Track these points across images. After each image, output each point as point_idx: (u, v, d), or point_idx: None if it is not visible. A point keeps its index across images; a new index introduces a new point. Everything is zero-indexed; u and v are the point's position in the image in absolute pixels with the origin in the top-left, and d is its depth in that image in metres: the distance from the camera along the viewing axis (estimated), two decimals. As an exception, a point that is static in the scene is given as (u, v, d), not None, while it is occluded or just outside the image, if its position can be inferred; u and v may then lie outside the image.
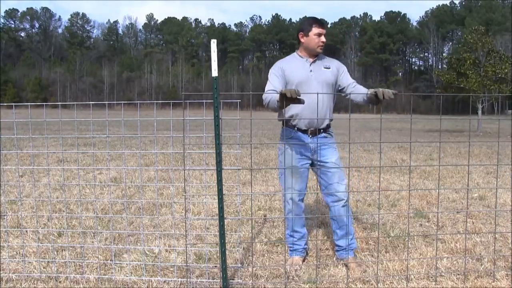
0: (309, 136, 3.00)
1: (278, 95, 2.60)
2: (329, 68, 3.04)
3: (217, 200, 2.50)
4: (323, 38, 2.98)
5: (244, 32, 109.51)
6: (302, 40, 3.04)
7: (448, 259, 3.13)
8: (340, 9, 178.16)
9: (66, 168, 7.26)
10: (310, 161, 3.06)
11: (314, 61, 3.03)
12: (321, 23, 3.00)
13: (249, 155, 9.47)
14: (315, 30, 2.97)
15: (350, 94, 3.02)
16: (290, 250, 3.19)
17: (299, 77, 2.96)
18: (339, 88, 3.09)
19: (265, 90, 2.93)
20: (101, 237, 3.65)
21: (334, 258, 3.18)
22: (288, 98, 2.50)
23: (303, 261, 3.14)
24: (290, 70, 2.99)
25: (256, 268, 2.95)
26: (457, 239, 3.58)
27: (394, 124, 29.17)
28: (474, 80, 22.09)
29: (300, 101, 2.54)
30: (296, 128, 3.01)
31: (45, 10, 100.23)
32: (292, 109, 2.95)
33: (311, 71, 3.00)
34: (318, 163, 3.03)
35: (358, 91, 3.02)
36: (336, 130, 3.45)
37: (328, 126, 3.07)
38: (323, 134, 3.03)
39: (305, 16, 3.28)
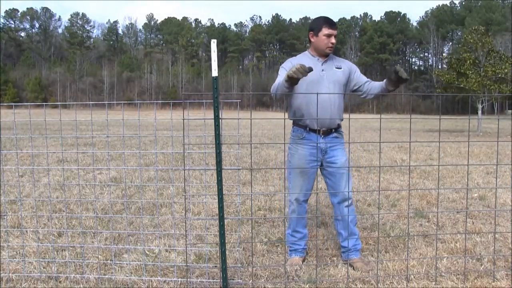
0: (320, 136, 2.98)
1: (285, 76, 2.66)
2: (341, 68, 3.02)
3: (217, 200, 2.50)
4: (332, 40, 2.95)
5: (244, 32, 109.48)
6: (312, 39, 3.01)
7: (448, 259, 3.13)
8: (340, 9, 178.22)
9: (66, 168, 7.25)
10: (319, 163, 3.05)
11: (325, 61, 3.01)
12: (331, 23, 2.96)
13: (249, 155, 9.47)
14: (325, 30, 2.94)
15: (366, 92, 3.04)
16: (290, 250, 3.19)
17: (311, 76, 2.92)
18: (355, 88, 3.07)
19: (274, 83, 2.92)
20: (101, 237, 3.65)
21: (341, 260, 3.15)
22: (296, 78, 2.55)
23: (303, 261, 3.14)
24: None
25: (256, 268, 2.95)
26: (457, 239, 3.58)
27: (394, 124, 29.17)
28: (474, 80, 22.08)
29: (310, 70, 2.60)
30: (308, 128, 2.99)
31: (45, 10, 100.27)
32: (303, 109, 2.95)
33: (322, 70, 2.97)
34: (327, 164, 3.03)
35: (374, 87, 3.01)
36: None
37: (339, 126, 3.07)
38: (334, 134, 3.03)
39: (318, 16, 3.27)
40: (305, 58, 3.04)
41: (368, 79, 3.09)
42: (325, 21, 2.96)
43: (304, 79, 2.91)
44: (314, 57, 3.02)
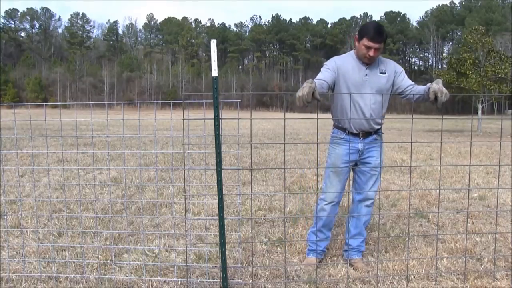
0: (360, 138, 2.96)
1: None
2: (385, 73, 2.93)
3: (217, 200, 2.50)
4: (371, 52, 2.81)
5: (244, 32, 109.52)
6: (355, 43, 2.93)
7: (448, 259, 3.13)
8: (340, 9, 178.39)
9: (66, 168, 7.25)
10: (353, 163, 3.04)
11: (370, 65, 2.91)
12: (374, 37, 2.79)
13: (249, 155, 9.47)
14: (365, 41, 2.81)
15: (407, 96, 2.95)
16: (308, 250, 3.18)
17: (353, 79, 2.88)
18: (397, 91, 2.99)
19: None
20: (101, 237, 3.65)
21: (341, 260, 3.15)
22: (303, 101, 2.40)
23: (319, 262, 3.11)
24: (345, 70, 2.90)
25: (256, 268, 2.95)
26: (457, 239, 3.58)
27: (394, 124, 29.16)
28: (474, 80, 22.09)
29: (317, 100, 2.45)
30: (347, 131, 2.97)
31: (45, 10, 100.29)
32: (342, 113, 2.93)
33: (366, 75, 2.90)
34: (362, 164, 3.02)
35: (417, 92, 2.91)
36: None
37: (379, 128, 3.04)
38: (374, 136, 3.01)
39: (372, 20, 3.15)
40: (349, 59, 2.96)
41: (412, 83, 2.99)
42: (369, 32, 2.81)
43: (346, 83, 2.88)
44: (358, 60, 2.93)
